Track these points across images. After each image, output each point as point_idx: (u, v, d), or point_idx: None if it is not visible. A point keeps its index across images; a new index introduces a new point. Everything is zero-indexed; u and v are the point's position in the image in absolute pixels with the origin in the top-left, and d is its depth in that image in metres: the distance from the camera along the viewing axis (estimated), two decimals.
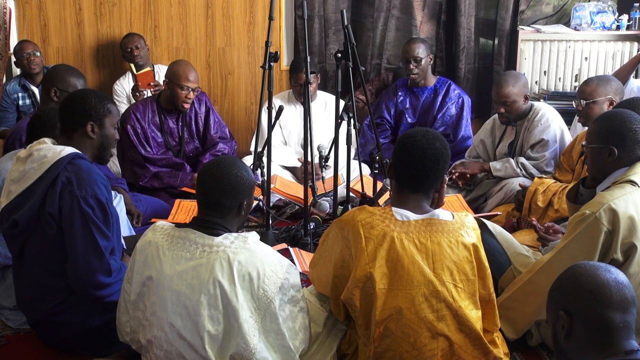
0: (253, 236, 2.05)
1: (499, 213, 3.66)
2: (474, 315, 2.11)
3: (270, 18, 3.42)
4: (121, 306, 2.19)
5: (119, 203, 3.34)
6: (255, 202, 3.44)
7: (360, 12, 5.20)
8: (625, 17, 4.94)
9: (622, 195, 2.34)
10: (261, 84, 3.54)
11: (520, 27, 4.99)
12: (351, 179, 3.56)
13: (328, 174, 3.67)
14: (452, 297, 2.06)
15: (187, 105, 4.10)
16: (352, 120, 3.32)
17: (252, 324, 1.98)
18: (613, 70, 4.81)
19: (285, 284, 2.03)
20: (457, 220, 2.14)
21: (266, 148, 3.51)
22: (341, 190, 3.71)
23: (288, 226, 3.73)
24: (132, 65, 4.87)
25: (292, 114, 4.51)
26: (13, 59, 4.89)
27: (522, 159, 3.85)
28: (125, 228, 3.21)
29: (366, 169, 4.14)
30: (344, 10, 3.40)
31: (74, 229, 2.36)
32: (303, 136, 3.53)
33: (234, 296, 1.95)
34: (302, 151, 3.60)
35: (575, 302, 1.60)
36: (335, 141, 3.43)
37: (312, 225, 3.55)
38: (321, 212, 3.62)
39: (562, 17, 5.22)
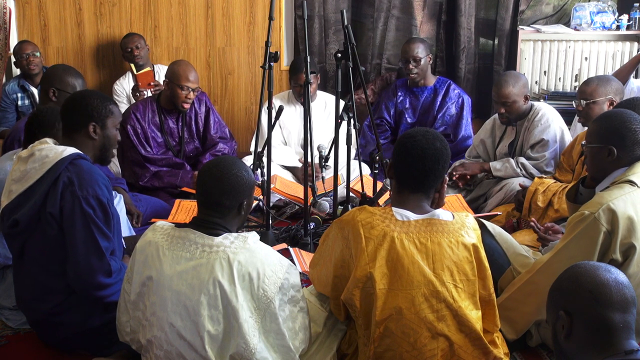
0: (253, 236, 2.05)
1: (499, 213, 3.66)
2: (474, 315, 2.11)
3: (270, 18, 3.42)
4: (121, 306, 2.19)
5: (118, 203, 3.34)
6: (255, 202, 3.44)
7: (360, 12, 5.20)
8: (625, 17, 4.94)
9: (621, 195, 2.34)
10: (261, 84, 3.54)
11: (520, 27, 4.99)
12: (351, 179, 3.56)
13: (328, 174, 3.67)
14: (452, 298, 2.06)
15: (187, 106, 4.10)
16: (352, 120, 3.32)
17: (252, 324, 1.98)
18: (613, 70, 4.81)
19: (285, 284, 2.03)
20: (457, 220, 2.14)
21: (266, 148, 3.51)
22: (341, 190, 3.72)
23: (288, 226, 3.73)
24: (132, 65, 4.87)
25: (292, 114, 4.51)
26: (13, 59, 4.89)
27: (522, 159, 3.85)
28: (125, 228, 3.21)
29: (366, 169, 4.14)
30: (344, 10, 3.40)
31: (75, 229, 2.36)
32: (303, 136, 3.53)
33: (233, 296, 1.95)
34: (302, 151, 3.60)
35: (575, 302, 1.60)
36: (335, 141, 3.43)
37: (312, 225, 3.55)
38: (321, 212, 3.62)
39: (562, 17, 5.22)
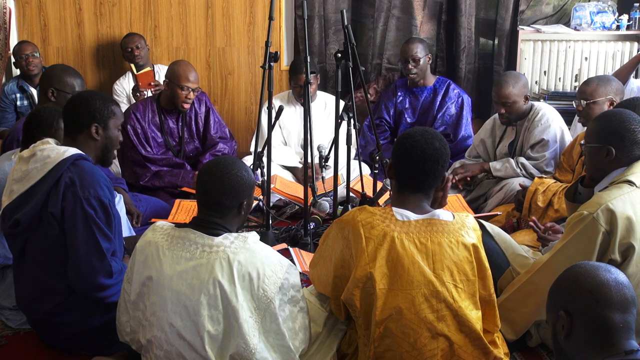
0: (253, 236, 2.05)
1: (499, 213, 3.66)
2: (474, 315, 2.11)
3: (270, 18, 3.42)
4: (121, 306, 2.19)
5: (118, 203, 3.33)
6: (255, 202, 3.44)
7: (361, 12, 5.20)
8: (625, 17, 4.94)
9: (620, 195, 2.34)
10: (261, 84, 3.54)
11: (520, 27, 4.99)
12: (351, 179, 3.56)
13: (328, 174, 3.67)
14: (452, 298, 2.06)
15: (187, 106, 4.10)
16: (352, 120, 3.32)
17: (252, 324, 1.98)
18: (613, 70, 4.81)
19: (285, 284, 2.03)
20: (457, 220, 2.14)
21: (266, 148, 3.51)
22: (341, 190, 3.71)
23: (288, 226, 3.73)
24: (133, 65, 4.87)
25: (292, 114, 4.51)
26: (13, 59, 4.89)
27: (522, 159, 3.85)
28: (125, 228, 3.21)
29: (366, 169, 4.15)
30: (344, 10, 3.40)
31: (76, 230, 2.36)
32: (303, 136, 3.53)
33: (233, 296, 1.95)
34: (302, 151, 3.60)
35: (575, 302, 1.60)
36: (335, 141, 3.43)
37: (312, 225, 3.55)
38: (321, 212, 3.62)
39: (562, 17, 5.22)
